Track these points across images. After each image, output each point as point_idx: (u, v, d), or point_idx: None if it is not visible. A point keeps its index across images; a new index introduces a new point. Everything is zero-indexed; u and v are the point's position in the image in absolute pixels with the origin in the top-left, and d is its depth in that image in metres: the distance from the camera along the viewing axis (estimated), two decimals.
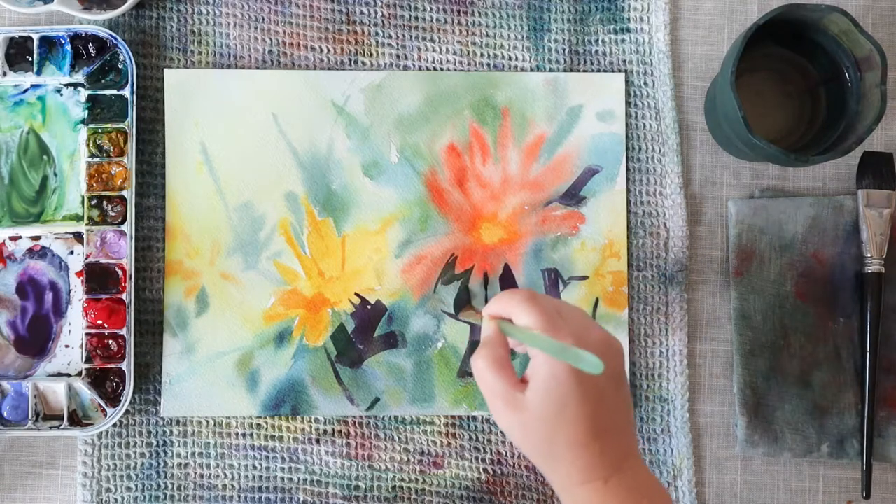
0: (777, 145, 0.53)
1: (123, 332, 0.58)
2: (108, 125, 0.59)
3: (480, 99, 0.61)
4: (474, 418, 0.60)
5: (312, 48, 0.62)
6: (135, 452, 0.59)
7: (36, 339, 0.59)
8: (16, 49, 0.59)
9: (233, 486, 0.59)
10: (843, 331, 0.61)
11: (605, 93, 0.62)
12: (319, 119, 0.61)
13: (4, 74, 0.59)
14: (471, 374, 0.60)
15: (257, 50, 0.61)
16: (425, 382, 0.60)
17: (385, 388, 0.60)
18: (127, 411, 0.59)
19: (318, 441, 0.60)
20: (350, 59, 0.62)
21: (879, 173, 0.60)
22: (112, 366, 0.58)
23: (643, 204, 0.62)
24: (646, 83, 0.62)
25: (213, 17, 0.62)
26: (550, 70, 0.62)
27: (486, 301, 0.60)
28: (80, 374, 0.58)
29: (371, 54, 0.62)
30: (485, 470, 0.60)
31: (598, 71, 0.62)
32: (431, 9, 0.62)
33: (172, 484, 0.59)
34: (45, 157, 0.60)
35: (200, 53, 0.61)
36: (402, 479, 0.60)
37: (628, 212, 0.61)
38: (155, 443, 0.60)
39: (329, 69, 0.62)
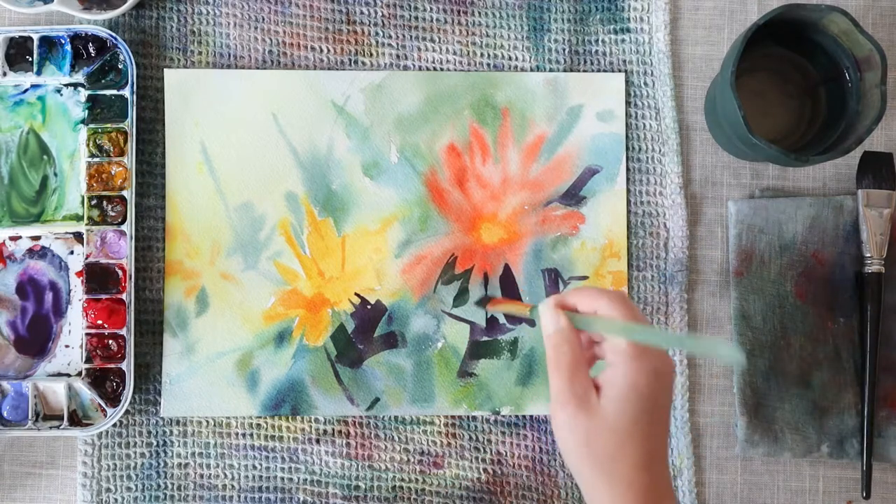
0: (777, 145, 0.53)
1: (123, 332, 0.58)
2: (108, 125, 0.59)
3: (480, 99, 0.61)
4: (474, 418, 0.60)
5: (312, 48, 0.62)
6: (135, 452, 0.59)
7: (36, 339, 0.59)
8: (16, 49, 0.59)
9: (233, 486, 0.59)
10: (843, 331, 0.61)
11: (605, 93, 0.62)
12: (319, 119, 0.61)
13: (4, 74, 0.59)
14: (471, 374, 0.60)
15: (257, 50, 0.61)
16: (425, 382, 0.60)
17: (385, 388, 0.60)
18: (127, 411, 0.59)
19: (318, 441, 0.60)
20: (350, 59, 0.62)
21: (879, 173, 0.60)
22: (112, 366, 0.58)
23: (643, 204, 0.62)
24: (646, 83, 0.62)
25: (213, 17, 0.62)
26: (550, 70, 0.62)
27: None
28: (80, 374, 0.58)
29: (371, 54, 0.62)
30: (485, 470, 0.60)
31: (598, 71, 0.62)
32: (431, 9, 0.62)
33: (172, 484, 0.59)
34: (45, 157, 0.60)
35: (200, 53, 0.61)
36: (402, 479, 0.60)
37: (628, 212, 0.61)
38: (155, 443, 0.60)
39: (329, 69, 0.62)
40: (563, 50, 0.62)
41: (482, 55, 0.62)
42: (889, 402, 0.60)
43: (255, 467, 0.60)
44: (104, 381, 0.58)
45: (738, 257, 0.61)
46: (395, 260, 0.61)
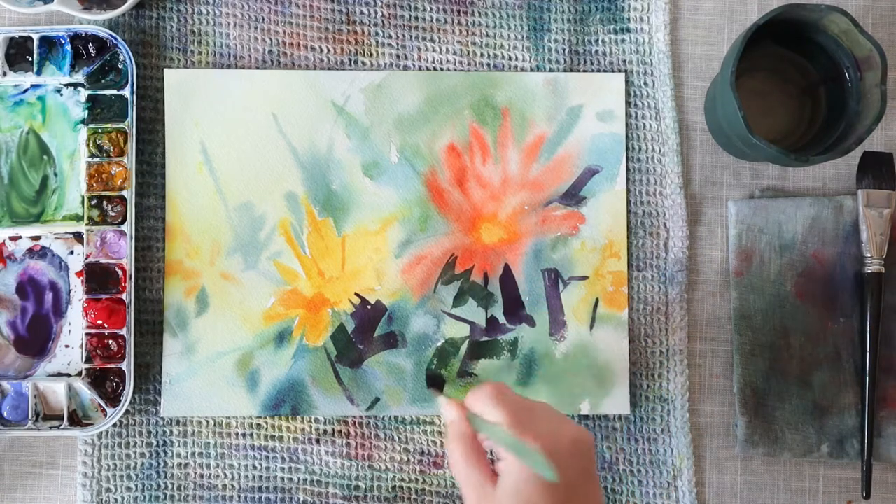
0: (777, 145, 0.53)
1: (123, 332, 0.58)
2: (108, 125, 0.59)
3: (480, 99, 0.61)
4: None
5: (312, 48, 0.62)
6: (135, 452, 0.59)
7: (36, 339, 0.59)
8: (16, 49, 0.59)
9: (233, 486, 0.59)
10: (843, 331, 0.61)
11: (605, 93, 0.62)
12: (319, 119, 0.61)
13: (4, 74, 0.59)
14: (471, 374, 0.60)
15: (257, 50, 0.61)
16: (425, 382, 0.60)
17: (385, 388, 0.60)
18: (127, 411, 0.59)
19: (318, 441, 0.60)
20: (350, 59, 0.62)
21: (879, 173, 0.60)
22: (112, 366, 0.58)
23: (643, 204, 0.62)
24: (646, 83, 0.62)
25: (213, 17, 0.62)
26: (550, 70, 0.62)
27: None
28: (80, 374, 0.58)
29: (371, 54, 0.62)
30: None
31: (598, 71, 0.62)
32: (431, 9, 0.62)
33: (172, 484, 0.59)
34: (45, 157, 0.60)
35: (200, 53, 0.61)
36: (402, 479, 0.60)
37: (628, 212, 0.61)
38: (155, 443, 0.60)
39: (329, 69, 0.62)
40: (563, 50, 0.62)
41: (482, 55, 0.62)
42: (889, 402, 0.60)
43: (255, 467, 0.60)
44: (104, 381, 0.58)
45: (738, 257, 0.61)
46: (395, 260, 0.61)
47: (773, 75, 0.60)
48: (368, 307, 0.60)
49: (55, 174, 0.60)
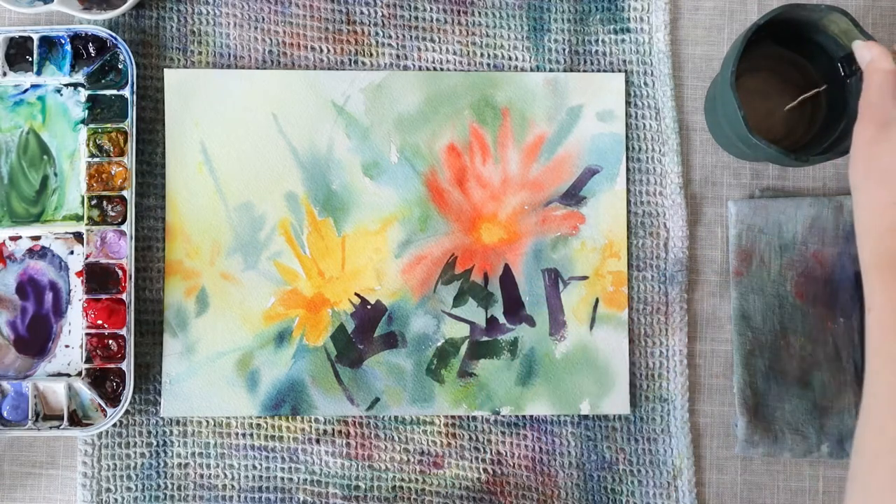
0: (777, 145, 0.53)
1: (123, 332, 0.58)
2: (108, 125, 0.59)
3: (480, 99, 0.61)
4: (474, 418, 0.60)
5: (312, 48, 0.62)
6: (135, 452, 0.59)
7: (36, 339, 0.59)
8: (16, 49, 0.59)
9: (233, 486, 0.59)
10: (843, 331, 0.61)
11: (605, 93, 0.62)
12: (319, 119, 0.61)
13: (4, 74, 0.59)
14: (471, 374, 0.60)
15: (257, 50, 0.61)
16: (425, 382, 0.60)
17: (385, 388, 0.60)
18: (127, 411, 0.59)
19: (318, 441, 0.60)
20: (350, 59, 0.62)
21: None
22: (112, 366, 0.58)
23: (643, 204, 0.62)
24: (646, 83, 0.62)
25: (213, 17, 0.62)
26: (550, 70, 0.62)
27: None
28: (80, 374, 0.58)
29: (371, 54, 0.62)
30: (485, 470, 0.60)
31: (598, 71, 0.62)
32: (431, 9, 0.62)
33: (172, 484, 0.59)
34: (45, 157, 0.60)
35: (200, 53, 0.61)
36: (402, 479, 0.60)
37: (628, 212, 0.61)
38: (155, 443, 0.60)
39: (329, 69, 0.62)
40: (563, 50, 0.62)
41: (482, 55, 0.62)
42: None
43: (255, 467, 0.60)
44: (104, 381, 0.58)
45: (738, 257, 0.61)
46: (395, 260, 0.61)
47: (773, 75, 0.60)
48: (368, 307, 0.60)
49: (55, 174, 0.60)
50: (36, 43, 0.59)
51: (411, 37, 0.62)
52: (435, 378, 0.60)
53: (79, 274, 0.59)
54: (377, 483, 0.60)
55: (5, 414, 0.58)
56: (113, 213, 0.58)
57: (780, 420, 0.60)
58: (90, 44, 0.59)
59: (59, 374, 0.59)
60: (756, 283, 0.61)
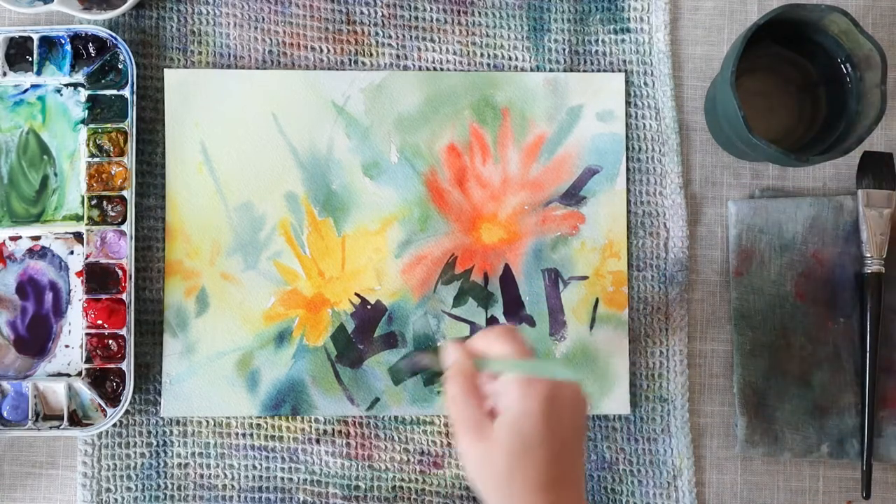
0: (777, 145, 0.53)
1: (123, 332, 0.58)
2: (108, 125, 0.59)
3: (480, 99, 0.61)
4: None
5: (312, 48, 0.62)
6: (135, 452, 0.59)
7: (36, 339, 0.59)
8: (16, 49, 0.59)
9: (233, 486, 0.59)
10: (843, 331, 0.61)
11: (605, 93, 0.62)
12: (319, 119, 0.61)
13: (4, 74, 0.59)
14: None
15: (257, 50, 0.61)
16: (425, 382, 0.60)
17: (385, 388, 0.60)
18: (127, 411, 0.59)
19: (318, 441, 0.60)
20: (350, 59, 0.62)
21: (879, 173, 0.60)
22: (112, 366, 0.58)
23: (643, 204, 0.62)
24: (646, 83, 0.62)
25: (213, 17, 0.62)
26: (550, 70, 0.62)
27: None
28: (80, 374, 0.58)
29: (371, 54, 0.62)
30: None
31: (598, 71, 0.62)
32: (431, 9, 0.62)
33: (172, 484, 0.59)
34: (45, 157, 0.60)
35: (200, 53, 0.61)
36: (402, 479, 0.60)
37: (628, 212, 0.61)
38: (155, 443, 0.60)
39: (329, 69, 0.62)
40: (563, 50, 0.62)
41: (482, 55, 0.62)
42: (889, 402, 0.60)
43: (255, 467, 0.60)
44: (104, 381, 0.58)
45: (738, 257, 0.61)
46: (395, 260, 0.61)
47: (773, 75, 0.60)
48: (368, 307, 0.60)
49: (55, 174, 0.60)
50: (36, 43, 0.59)
51: (411, 37, 0.62)
52: (435, 378, 0.60)
53: (79, 274, 0.59)
54: (377, 483, 0.60)
55: (5, 414, 0.58)
56: (113, 213, 0.58)
57: (780, 420, 0.60)
58: (90, 44, 0.59)
59: (59, 374, 0.59)
60: (756, 283, 0.61)
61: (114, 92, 0.59)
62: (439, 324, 0.60)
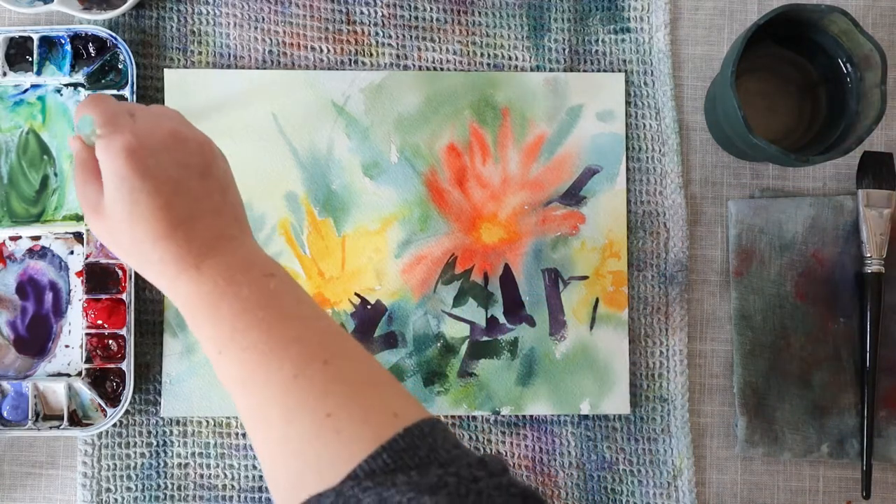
0: (777, 145, 0.53)
1: (123, 332, 0.58)
2: None
3: (480, 99, 0.61)
4: (474, 418, 0.60)
5: (312, 48, 0.62)
6: (135, 452, 0.59)
7: (36, 339, 0.59)
8: (16, 49, 0.59)
9: (233, 486, 0.59)
10: (843, 331, 0.61)
11: (605, 93, 0.62)
12: (319, 119, 0.61)
13: (4, 74, 0.59)
14: (471, 374, 0.60)
15: (257, 50, 0.61)
16: (425, 382, 0.60)
17: None
18: (127, 411, 0.59)
19: None
20: (350, 59, 0.62)
21: (879, 173, 0.60)
22: (112, 366, 0.58)
23: (643, 204, 0.62)
24: (646, 83, 0.62)
25: (213, 17, 0.62)
26: (550, 70, 0.62)
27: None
28: (80, 374, 0.58)
29: (371, 54, 0.62)
30: None
31: (598, 71, 0.62)
32: (431, 9, 0.62)
33: (172, 484, 0.59)
34: (45, 157, 0.60)
35: (200, 53, 0.61)
36: None
37: (628, 212, 0.61)
38: (155, 443, 0.60)
39: (329, 69, 0.62)
40: (563, 50, 0.62)
41: (482, 55, 0.62)
42: (889, 402, 0.60)
43: (255, 467, 0.60)
44: (104, 381, 0.58)
45: (738, 257, 0.61)
46: (395, 260, 0.61)
47: (773, 75, 0.60)
48: (368, 307, 0.60)
49: (55, 174, 0.60)
50: (36, 43, 0.59)
51: (411, 37, 0.62)
52: (435, 378, 0.60)
53: (79, 274, 0.59)
54: None
55: (5, 414, 0.58)
56: None
57: (780, 420, 0.60)
58: (90, 44, 0.59)
59: (59, 374, 0.59)
60: (756, 283, 0.61)
61: (114, 92, 0.59)
62: (439, 324, 0.60)
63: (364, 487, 0.35)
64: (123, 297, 0.58)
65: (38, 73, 0.59)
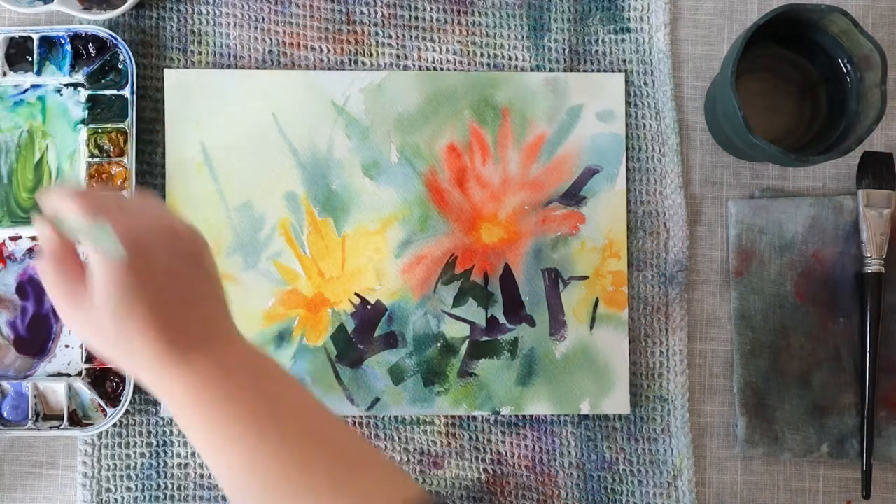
0: (777, 145, 0.53)
1: None
2: (108, 125, 0.59)
3: (480, 99, 0.61)
4: (474, 418, 0.60)
5: (312, 48, 0.62)
6: (135, 452, 0.59)
7: (36, 339, 0.59)
8: (16, 49, 0.59)
9: None
10: (843, 331, 0.61)
11: (605, 93, 0.62)
12: (319, 119, 0.61)
13: (4, 74, 0.59)
14: (471, 374, 0.60)
15: (257, 50, 0.61)
16: (425, 382, 0.60)
17: (385, 388, 0.60)
18: (127, 411, 0.59)
19: None
20: (350, 59, 0.62)
21: (879, 173, 0.60)
22: (112, 366, 0.58)
23: (643, 204, 0.62)
24: (646, 83, 0.62)
25: (213, 17, 0.62)
26: (550, 70, 0.62)
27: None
28: (80, 374, 0.58)
29: (371, 54, 0.62)
30: (485, 470, 0.60)
31: (598, 71, 0.62)
32: (431, 9, 0.62)
33: (172, 484, 0.59)
34: (45, 157, 0.60)
35: (200, 53, 0.61)
36: None
37: (628, 212, 0.61)
38: (155, 443, 0.60)
39: (329, 69, 0.62)
40: (563, 50, 0.62)
41: (482, 55, 0.62)
42: (889, 402, 0.60)
43: None
44: (104, 381, 0.58)
45: (738, 257, 0.61)
46: (395, 260, 0.61)
47: (773, 75, 0.60)
48: (368, 307, 0.60)
49: (55, 174, 0.60)
50: (36, 43, 0.59)
51: (411, 37, 0.62)
52: (435, 378, 0.60)
53: None
54: None
55: (5, 414, 0.58)
56: None
57: (780, 420, 0.60)
58: (90, 44, 0.59)
59: (59, 374, 0.59)
60: (756, 283, 0.61)
61: (114, 92, 0.59)
62: (439, 324, 0.60)
63: None
64: None
65: (38, 73, 0.59)
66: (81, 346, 0.58)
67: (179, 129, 0.60)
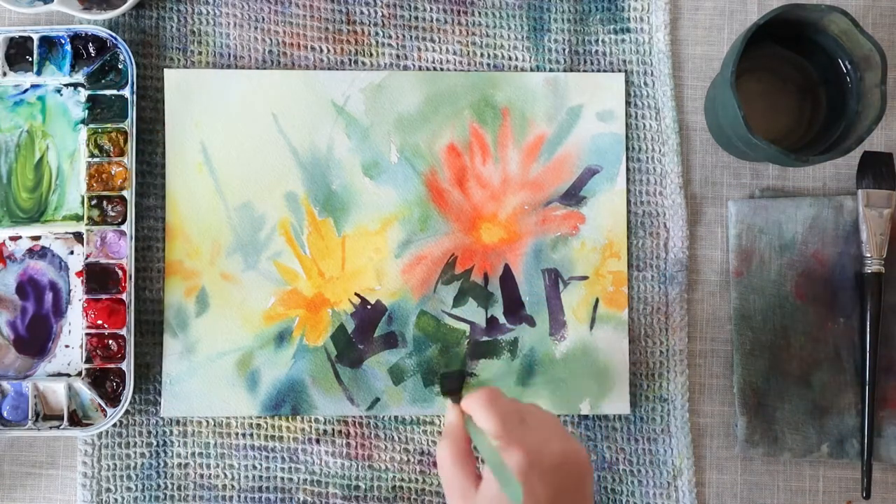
0: (777, 145, 0.54)
1: (123, 332, 0.58)
2: (108, 125, 0.59)
3: (480, 99, 0.61)
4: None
5: (312, 48, 0.62)
6: (135, 452, 0.59)
7: (36, 339, 0.59)
8: (16, 49, 0.59)
9: (233, 486, 0.59)
10: (843, 331, 0.61)
11: (605, 93, 0.62)
12: (319, 119, 0.61)
13: (4, 74, 0.59)
14: (471, 374, 0.60)
15: (257, 50, 0.61)
16: (425, 382, 0.60)
17: (385, 388, 0.60)
18: (127, 411, 0.59)
19: (318, 441, 0.60)
20: (350, 59, 0.62)
21: (879, 173, 0.60)
22: (112, 366, 0.58)
23: (643, 204, 0.62)
24: (646, 83, 0.62)
25: (213, 17, 0.62)
26: (550, 70, 0.62)
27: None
28: (80, 374, 0.58)
29: (371, 54, 0.62)
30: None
31: (598, 71, 0.62)
32: (431, 9, 0.62)
33: (172, 484, 0.59)
34: (45, 157, 0.60)
35: (200, 53, 0.61)
36: (402, 479, 0.60)
37: (628, 212, 0.61)
38: (155, 443, 0.60)
39: (329, 69, 0.62)
40: (563, 50, 0.62)
41: (482, 55, 0.62)
42: (889, 402, 0.60)
43: (255, 467, 0.60)
44: (104, 381, 0.58)
45: (738, 257, 0.61)
46: (395, 260, 0.61)
47: (773, 75, 0.60)
48: (368, 307, 0.60)
49: (55, 174, 0.60)
50: (36, 43, 0.59)
51: (411, 37, 0.62)
52: (435, 378, 0.60)
53: (79, 274, 0.59)
54: (377, 483, 0.60)
55: (5, 414, 0.58)
56: (113, 213, 0.58)
57: (780, 420, 0.60)
58: (90, 44, 0.59)
59: (59, 374, 0.59)
60: (756, 283, 0.61)
61: (114, 92, 0.59)
62: (439, 324, 0.60)
63: None
64: (123, 297, 0.58)
65: (38, 73, 0.59)
66: (81, 346, 0.58)
67: (179, 129, 0.60)
